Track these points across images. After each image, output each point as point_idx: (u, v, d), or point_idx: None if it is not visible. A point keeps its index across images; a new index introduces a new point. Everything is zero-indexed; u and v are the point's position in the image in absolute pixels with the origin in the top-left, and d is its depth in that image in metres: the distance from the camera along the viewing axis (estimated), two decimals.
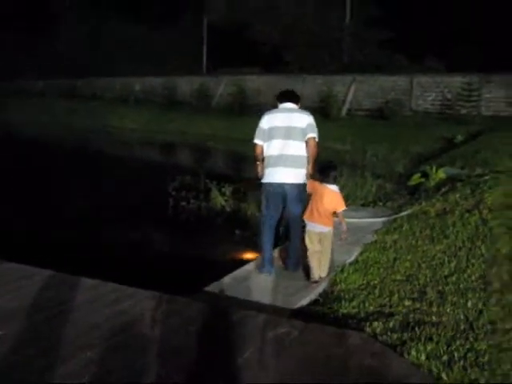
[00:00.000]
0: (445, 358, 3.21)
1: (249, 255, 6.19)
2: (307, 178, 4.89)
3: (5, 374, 2.84)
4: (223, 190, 9.32)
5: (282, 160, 4.81)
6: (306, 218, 4.81)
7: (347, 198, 8.29)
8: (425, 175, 9.19)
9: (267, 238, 4.98)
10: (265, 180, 4.98)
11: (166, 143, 22.16)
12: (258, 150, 5.01)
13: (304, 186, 4.89)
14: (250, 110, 26.56)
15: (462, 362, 3.17)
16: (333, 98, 23.25)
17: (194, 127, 24.63)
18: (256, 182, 5.33)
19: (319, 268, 4.73)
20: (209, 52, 38.72)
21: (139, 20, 42.04)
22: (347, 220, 5.13)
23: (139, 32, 42.45)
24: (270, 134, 4.92)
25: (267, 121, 4.98)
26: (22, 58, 45.68)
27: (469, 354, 3.27)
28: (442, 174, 8.87)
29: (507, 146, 11.53)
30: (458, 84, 20.46)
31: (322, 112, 22.90)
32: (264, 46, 32.22)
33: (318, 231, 4.73)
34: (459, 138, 15.10)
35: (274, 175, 4.86)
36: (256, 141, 5.00)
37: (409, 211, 7.05)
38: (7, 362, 2.91)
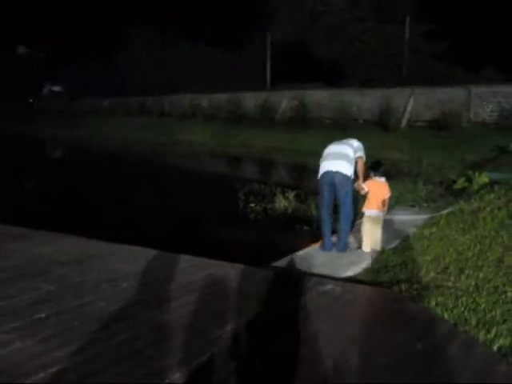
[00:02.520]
0: (450, 305, 4.34)
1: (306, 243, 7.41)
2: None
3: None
4: (286, 194, 10.62)
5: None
6: (365, 208, 6.35)
7: (398, 201, 9.50)
8: (469, 180, 10.12)
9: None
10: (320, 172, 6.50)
11: (233, 155, 23.61)
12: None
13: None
14: (312, 123, 27.85)
15: (462, 309, 4.28)
16: (392, 111, 24.12)
17: (258, 140, 26.08)
18: None
19: (369, 243, 6.24)
20: (272, 68, 40.23)
21: (203, 40, 44.21)
22: (394, 217, 6.53)
23: (204, 51, 44.53)
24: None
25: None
26: (97, 80, 48.66)
27: (470, 304, 4.38)
28: (485, 179, 9.77)
29: None
30: None
31: (381, 124, 23.89)
32: (324, 62, 33.40)
33: (375, 216, 6.27)
34: (511, 146, 15.73)
35: (323, 167, 6.60)
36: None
37: (448, 210, 8.07)
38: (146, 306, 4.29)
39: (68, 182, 15.16)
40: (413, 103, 24.64)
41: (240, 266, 5.22)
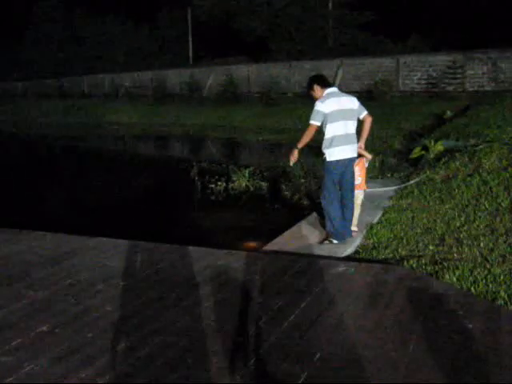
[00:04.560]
0: (470, 279, 4.21)
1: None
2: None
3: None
4: (242, 172, 10.29)
5: (347, 138, 5.49)
6: (361, 188, 5.99)
7: None
8: (424, 148, 10.18)
9: (339, 212, 5.56)
10: (333, 158, 5.43)
11: (167, 135, 22.90)
12: (314, 130, 5.49)
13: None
14: (241, 99, 27.49)
15: (484, 281, 4.15)
16: None
17: (189, 118, 25.44)
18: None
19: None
20: (194, 44, 39.39)
21: (120, 17, 42.48)
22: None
23: (121, 29, 42.87)
24: (332, 117, 5.44)
25: (327, 104, 5.43)
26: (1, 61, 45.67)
27: (488, 276, 4.26)
28: (440, 147, 9.85)
29: (494, 118, 12.52)
30: (443, 62, 21.50)
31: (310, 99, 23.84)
32: (248, 35, 32.95)
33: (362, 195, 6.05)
34: (448, 113, 16.10)
35: (341, 152, 5.45)
36: (314, 122, 5.44)
37: (417, 179, 8.04)
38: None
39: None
40: (342, 74, 24.77)
41: (238, 253, 4.88)
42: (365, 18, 28.26)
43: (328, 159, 5.46)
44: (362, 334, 3.25)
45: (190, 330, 3.32)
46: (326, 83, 5.73)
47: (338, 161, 5.45)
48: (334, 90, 5.65)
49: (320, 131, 5.54)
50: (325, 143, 5.49)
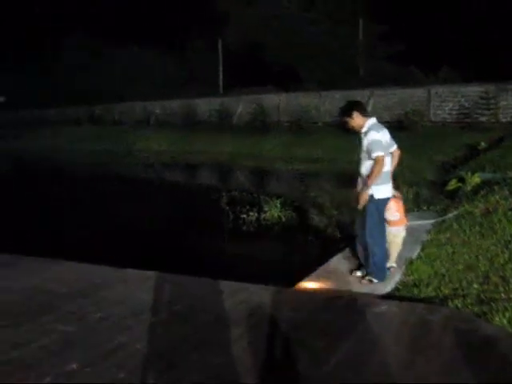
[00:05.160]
0: None
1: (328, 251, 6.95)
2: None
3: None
4: (273, 202, 10.16)
5: (390, 175, 5.23)
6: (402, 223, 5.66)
7: None
8: (460, 180, 9.93)
9: (384, 250, 5.27)
10: (383, 196, 5.08)
11: (197, 163, 22.94)
12: (383, 162, 4.94)
13: None
14: (271, 127, 27.51)
15: None
16: None
17: (218, 146, 25.51)
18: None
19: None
20: (224, 73, 39.74)
21: (152, 46, 43.12)
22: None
23: (152, 57, 43.51)
24: (387, 149, 5.09)
25: (382, 135, 5.07)
26: (35, 90, 46.54)
27: None
28: (477, 179, 9.61)
29: None
30: (475, 93, 21.24)
31: (342, 127, 23.73)
32: (278, 65, 33.16)
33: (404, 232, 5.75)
34: (483, 144, 15.80)
35: (389, 190, 5.17)
36: (381, 153, 4.93)
37: (455, 213, 7.80)
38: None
39: (29, 200, 14.06)
40: (373, 104, 24.66)
41: (273, 289, 4.70)
42: (395, 48, 28.21)
43: (378, 197, 5.04)
44: (413, 380, 3.05)
45: (222, 372, 3.17)
46: (366, 112, 5.34)
47: (388, 198, 5.17)
48: (375, 120, 5.25)
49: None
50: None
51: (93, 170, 22.47)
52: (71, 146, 31.70)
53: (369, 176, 5.00)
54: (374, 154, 4.91)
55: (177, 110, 33.89)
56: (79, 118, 39.37)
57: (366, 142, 5.03)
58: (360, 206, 5.08)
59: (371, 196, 5.01)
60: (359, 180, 5.32)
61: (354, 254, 6.16)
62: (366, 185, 5.02)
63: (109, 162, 25.08)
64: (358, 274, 5.41)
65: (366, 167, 5.13)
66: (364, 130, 5.13)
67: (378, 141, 4.96)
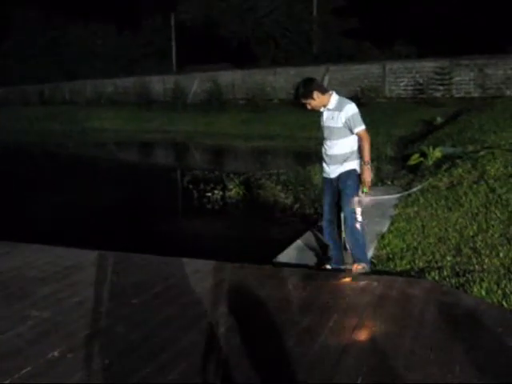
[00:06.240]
0: (499, 292, 4.02)
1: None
2: None
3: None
4: (236, 180, 10.07)
5: None
6: None
7: None
8: (422, 155, 10.06)
9: None
10: (359, 171, 4.75)
11: (154, 142, 22.58)
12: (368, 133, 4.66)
13: None
14: (226, 105, 27.28)
15: None
16: None
17: (175, 125, 25.16)
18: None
19: None
20: (178, 51, 39.06)
21: (102, 23, 41.97)
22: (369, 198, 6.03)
23: (104, 35, 42.41)
24: None
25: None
26: None
27: None
28: (438, 153, 9.74)
29: (487, 123, 12.50)
30: (430, 68, 21.55)
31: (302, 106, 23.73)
32: (232, 41, 32.79)
33: None
34: (439, 119, 16.07)
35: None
36: (364, 126, 4.65)
37: (419, 187, 7.88)
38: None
39: None
40: (328, 81, 24.71)
41: (252, 267, 4.63)
42: (350, 25, 28.30)
43: (359, 171, 4.72)
44: (402, 356, 3.03)
45: (211, 353, 3.08)
46: (325, 88, 4.89)
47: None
48: (335, 93, 4.82)
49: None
50: (354, 153, 4.73)
51: (45, 150, 21.77)
52: (21, 126, 30.59)
53: (362, 153, 4.64)
54: (359, 128, 4.58)
55: (130, 89, 33.19)
56: (27, 98, 38.06)
57: (343, 117, 4.61)
58: (369, 189, 4.76)
59: (354, 170, 4.73)
60: (328, 161, 4.84)
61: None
62: (366, 163, 4.62)
63: (62, 142, 24.38)
64: (328, 267, 5.00)
65: (340, 146, 4.72)
66: (331, 106, 4.71)
67: (357, 113, 4.62)
